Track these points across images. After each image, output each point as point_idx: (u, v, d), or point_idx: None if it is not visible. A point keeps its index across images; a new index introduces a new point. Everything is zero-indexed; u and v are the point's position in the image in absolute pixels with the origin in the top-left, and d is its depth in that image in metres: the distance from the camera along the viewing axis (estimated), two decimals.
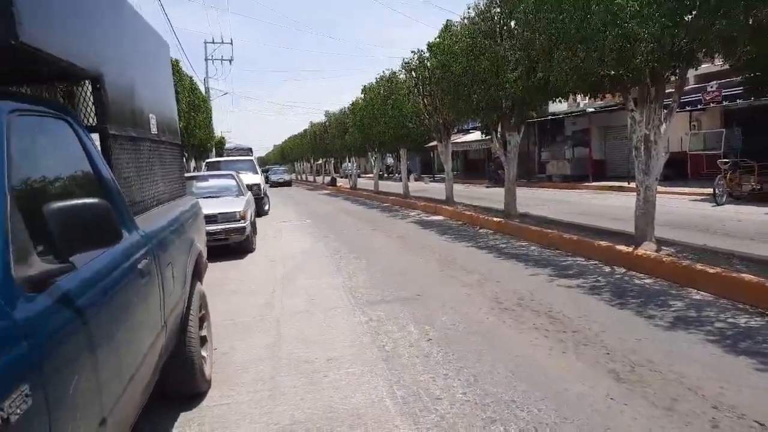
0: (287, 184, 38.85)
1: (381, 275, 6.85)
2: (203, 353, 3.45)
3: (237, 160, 18.56)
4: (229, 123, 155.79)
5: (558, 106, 22.48)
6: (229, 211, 8.81)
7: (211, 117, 25.65)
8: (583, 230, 8.59)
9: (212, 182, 11.05)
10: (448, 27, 12.32)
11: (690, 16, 5.69)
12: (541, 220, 10.21)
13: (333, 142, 29.19)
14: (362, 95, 21.31)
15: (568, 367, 3.62)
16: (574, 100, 21.51)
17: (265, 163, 59.07)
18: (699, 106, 17.33)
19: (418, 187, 26.08)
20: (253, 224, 9.98)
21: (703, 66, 9.55)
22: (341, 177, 44.11)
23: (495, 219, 10.61)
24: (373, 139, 21.05)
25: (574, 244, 7.61)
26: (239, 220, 8.81)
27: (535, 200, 15.04)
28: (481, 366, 3.70)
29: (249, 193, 11.23)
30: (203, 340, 3.55)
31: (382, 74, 19.55)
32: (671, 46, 5.95)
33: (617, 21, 6.10)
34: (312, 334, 4.64)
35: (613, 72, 6.69)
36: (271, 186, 32.15)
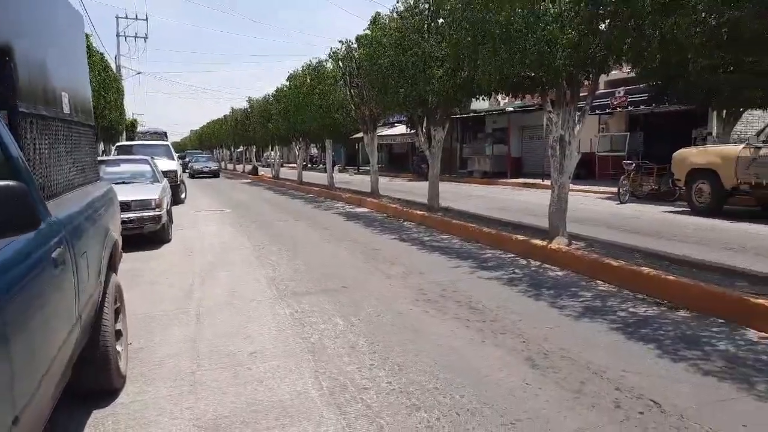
0: (213, 174, 32.14)
1: (305, 267, 6.79)
2: (118, 348, 3.27)
3: (151, 145, 17.62)
4: (141, 105, 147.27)
5: (480, 104, 23.21)
6: (143, 199, 8.36)
7: (122, 98, 24.13)
8: (501, 224, 8.97)
9: (124, 167, 10.43)
10: (376, 20, 12.35)
11: (604, 25, 6.07)
12: (463, 214, 10.55)
13: (255, 129, 28.44)
14: (288, 83, 20.91)
15: (487, 355, 3.78)
16: (495, 99, 22.30)
17: (181, 149, 56.31)
18: (607, 110, 18.59)
19: (343, 178, 26.04)
20: (170, 213, 9.54)
21: (613, 72, 10.22)
22: (263, 166, 43.11)
23: (419, 212, 10.83)
24: (297, 128, 20.74)
25: (494, 237, 7.93)
26: (154, 208, 8.39)
27: (457, 195, 15.48)
28: (405, 355, 3.78)
29: (165, 179, 10.72)
30: (118, 334, 3.36)
31: (308, 62, 19.31)
32: (587, 52, 6.33)
33: (539, 24, 6.40)
34: (234, 326, 4.52)
35: (533, 74, 7.03)
36: (192, 176, 29.95)
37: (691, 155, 11.22)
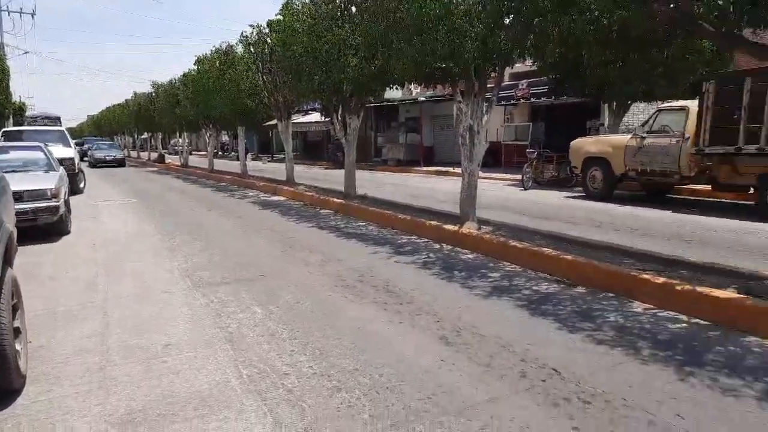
0: (118, 163, 28.76)
1: (220, 257, 6.64)
2: (17, 346, 3.06)
3: (44, 131, 16.25)
4: (31, 88, 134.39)
5: (393, 93, 23.53)
6: (37, 188, 7.72)
7: (8, 78, 21.98)
8: (416, 211, 9.24)
9: (14, 155, 9.56)
10: (288, 5, 12.12)
11: (509, 20, 6.40)
12: (379, 202, 10.73)
13: (161, 115, 27.00)
14: (195, 67, 20.01)
15: (404, 335, 3.94)
16: (408, 88, 22.70)
17: (77, 135, 52.07)
18: (512, 101, 19.54)
19: (256, 166, 25.41)
20: (67, 203, 8.89)
21: (517, 65, 10.78)
22: (170, 154, 41.03)
23: (335, 200, 10.87)
24: (207, 114, 19.95)
25: (409, 223, 8.15)
26: (50, 199, 7.77)
27: (372, 182, 15.66)
28: (326, 340, 3.84)
29: (62, 168, 9.96)
30: (16, 332, 3.14)
31: (218, 46, 18.60)
32: (493, 45, 6.65)
33: (449, 17, 6.63)
34: (146, 319, 4.36)
35: (444, 65, 7.27)
36: (93, 166, 27.35)
37: (586, 144, 12.11)
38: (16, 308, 3.23)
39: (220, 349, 3.71)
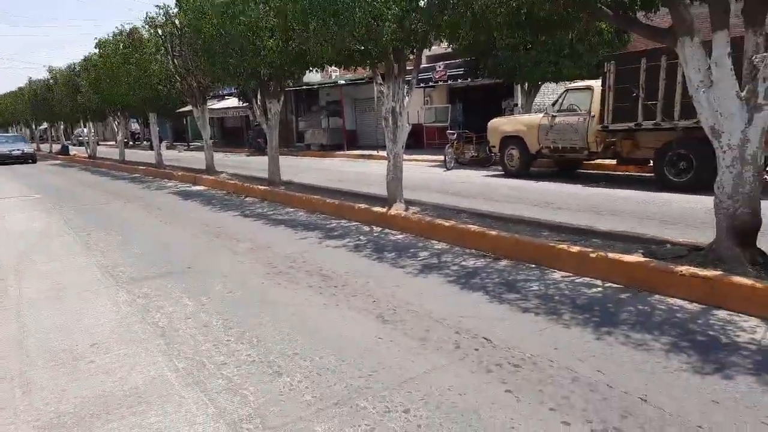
0: (29, 158, 24.88)
1: (141, 251, 6.35)
2: None
3: None
4: None
5: (313, 77, 23.24)
6: None
7: None
8: (343, 195, 9.27)
9: None
10: None
11: (424, 2, 6.52)
12: (305, 187, 10.65)
13: (61, 103, 25.04)
14: (97, 50, 18.69)
15: (342, 317, 3.99)
16: (328, 72, 22.49)
17: None
18: (430, 84, 19.90)
19: (172, 155, 24.30)
20: None
21: (434, 48, 11.00)
22: (75, 145, 38.26)
23: (260, 187, 10.66)
24: (113, 102, 18.75)
25: (337, 208, 8.17)
26: None
27: (296, 168, 15.46)
28: (262, 328, 3.82)
29: None
30: None
31: (120, 28, 17.46)
32: (410, 27, 6.74)
33: None
34: (66, 320, 4.12)
35: (362, 47, 7.28)
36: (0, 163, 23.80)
37: (502, 124, 12.61)
38: None
39: (152, 345, 3.60)
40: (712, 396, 2.69)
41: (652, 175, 9.78)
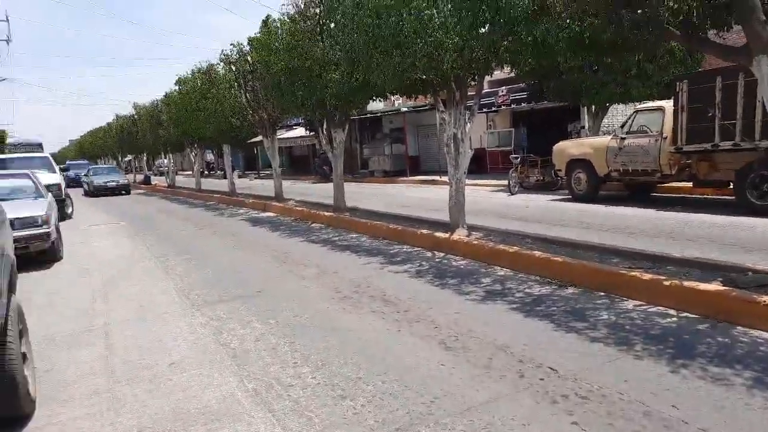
0: (123, 189, 24.57)
1: (215, 275, 6.68)
2: (25, 371, 3.10)
3: (28, 157, 16.14)
4: (9, 115, 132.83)
5: (376, 105, 23.76)
6: (28, 216, 7.72)
7: None
8: (406, 220, 9.36)
9: (1, 183, 9.53)
10: (267, 23, 12.24)
11: (484, 30, 6.59)
12: (369, 213, 10.84)
13: (145, 136, 26.95)
14: (177, 87, 20.07)
15: (404, 342, 4.03)
16: (391, 99, 22.93)
17: (59, 160, 51.59)
18: (493, 108, 19.83)
19: (243, 184, 25.43)
20: (58, 229, 8.88)
21: (496, 73, 11.02)
22: (156, 175, 40.87)
23: (326, 213, 10.95)
24: (192, 134, 19.98)
25: (400, 233, 8.26)
26: (41, 225, 7.78)
27: (360, 194, 15.76)
28: (327, 351, 3.92)
29: (49, 194, 9.95)
30: (24, 357, 3.18)
31: (198, 66, 18.69)
32: (470, 55, 6.82)
33: (426, 30, 6.80)
34: (147, 340, 4.41)
35: (424, 76, 7.43)
36: (93, 194, 23.70)
37: (569, 147, 12.34)
38: (21, 334, 3.28)
39: (224, 365, 3.78)
40: None
41: (733, 198, 9.22)
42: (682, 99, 9.44)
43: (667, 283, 4.49)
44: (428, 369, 3.52)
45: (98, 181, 24.31)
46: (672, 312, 4.30)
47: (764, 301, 3.82)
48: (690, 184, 10.59)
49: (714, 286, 4.27)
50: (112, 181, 24.49)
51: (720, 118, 8.82)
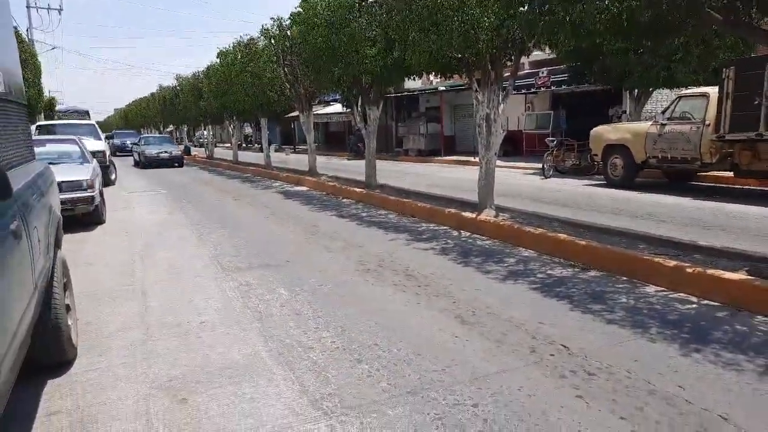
0: (176, 161, 22.96)
1: (247, 244, 6.94)
2: (68, 321, 3.37)
3: (75, 124, 16.79)
4: (58, 83, 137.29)
5: (413, 83, 23.61)
6: (74, 179, 8.14)
7: (40, 74, 22.68)
8: (435, 199, 9.43)
9: (50, 147, 10.00)
10: None
11: (522, 9, 6.51)
12: (400, 191, 10.94)
13: (186, 108, 27.58)
14: (218, 60, 20.43)
15: (422, 315, 4.16)
16: (428, 78, 22.75)
17: (104, 129, 53.24)
18: (532, 90, 19.47)
19: (279, 157, 25.83)
20: (102, 194, 9.32)
21: (536, 53, 10.84)
22: (195, 146, 41.83)
23: (357, 189, 11.11)
24: (230, 107, 20.36)
25: (428, 211, 8.35)
26: (86, 189, 8.19)
27: (393, 172, 15.86)
28: (347, 319, 4.09)
29: (94, 160, 10.41)
30: (67, 308, 3.46)
31: (239, 39, 18.96)
32: (507, 35, 6.77)
33: (464, 8, 6.77)
34: (181, 300, 4.67)
35: (459, 55, 7.41)
36: (144, 166, 22.39)
37: (606, 132, 12.09)
38: (65, 286, 3.55)
39: (250, 327, 3.99)
40: None
41: None
42: (727, 85, 9.11)
43: (690, 270, 4.47)
44: (443, 340, 3.65)
45: (150, 151, 22.77)
46: (693, 299, 4.30)
47: None
48: (731, 174, 10.27)
49: (738, 275, 4.24)
50: (165, 152, 22.83)
51: (766, 107, 8.50)
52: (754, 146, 9.06)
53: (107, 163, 14.46)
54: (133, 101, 49.02)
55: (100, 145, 14.78)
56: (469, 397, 2.87)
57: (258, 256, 6.26)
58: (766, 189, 9.80)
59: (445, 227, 7.65)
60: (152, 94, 37.68)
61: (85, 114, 28.31)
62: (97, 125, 17.03)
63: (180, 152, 23.42)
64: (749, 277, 4.21)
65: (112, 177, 15.27)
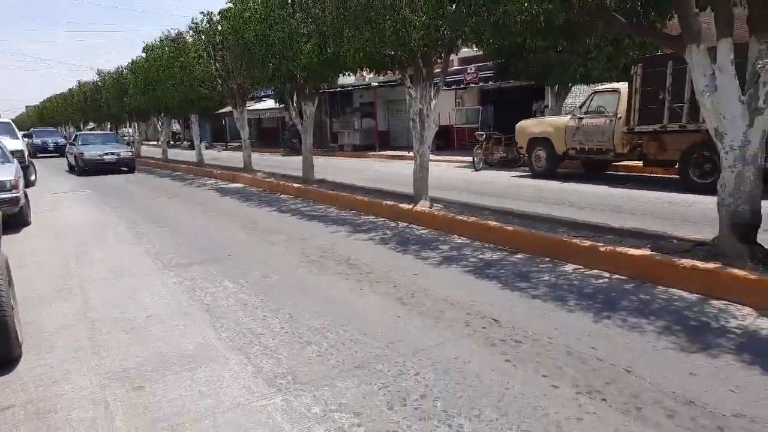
0: (125, 166, 18.19)
1: (187, 241, 6.93)
2: (15, 318, 3.37)
3: None
4: None
5: (346, 79, 23.76)
6: None
7: None
8: (373, 193, 9.71)
9: None
10: None
11: (450, 9, 6.90)
12: (338, 185, 11.14)
13: (109, 104, 26.38)
14: (144, 54, 19.72)
15: (365, 299, 4.43)
16: (361, 74, 22.98)
17: (18, 128, 49.73)
18: (462, 86, 20.18)
19: (211, 155, 25.27)
20: (26, 195, 8.91)
21: (465, 50, 11.34)
22: None
23: (295, 185, 11.21)
24: (159, 103, 19.73)
25: (366, 204, 8.62)
26: (10, 190, 7.84)
27: (329, 168, 16.01)
28: (294, 306, 4.29)
29: (15, 160, 9.90)
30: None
31: (166, 33, 18.39)
32: (436, 34, 7.14)
33: (395, 8, 7.07)
34: (124, 297, 4.68)
35: (392, 52, 7.72)
36: (82, 172, 17.50)
37: (530, 126, 12.84)
38: (9, 284, 3.53)
39: (199, 318, 4.11)
40: (691, 369, 3.01)
41: (678, 176, 9.88)
42: (636, 82, 9.97)
43: (602, 249, 5.00)
44: (386, 320, 3.93)
45: (91, 153, 17.62)
46: (606, 274, 4.81)
47: (682, 264, 4.35)
48: (641, 163, 11.23)
49: (642, 252, 4.79)
50: (111, 154, 17.79)
51: (669, 101, 9.39)
52: (660, 137, 9.99)
53: (26, 163, 13.71)
54: (47, 98, 46.13)
55: (18, 144, 14.02)
56: (411, 367, 3.17)
57: (199, 252, 6.29)
58: (671, 176, 10.79)
59: (383, 219, 7.95)
60: (70, 90, 35.66)
61: None
62: (13, 123, 16.06)
63: (131, 154, 19.06)
64: (651, 253, 4.77)
65: (32, 178, 14.48)
